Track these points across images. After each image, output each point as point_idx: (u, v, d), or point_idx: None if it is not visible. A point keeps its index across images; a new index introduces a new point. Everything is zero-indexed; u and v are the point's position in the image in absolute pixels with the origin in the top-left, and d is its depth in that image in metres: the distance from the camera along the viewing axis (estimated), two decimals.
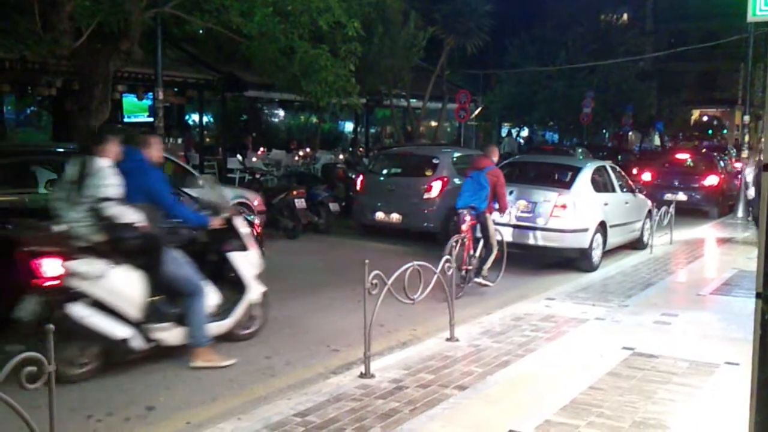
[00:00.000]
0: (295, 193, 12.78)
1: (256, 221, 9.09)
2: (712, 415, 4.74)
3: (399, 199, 12.56)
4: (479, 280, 8.75)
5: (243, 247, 6.29)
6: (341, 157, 20.43)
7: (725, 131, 48.96)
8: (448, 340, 6.32)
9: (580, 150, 24.80)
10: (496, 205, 8.94)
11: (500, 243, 9.11)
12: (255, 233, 8.48)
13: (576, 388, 5.13)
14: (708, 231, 15.21)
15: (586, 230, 10.19)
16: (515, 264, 9.80)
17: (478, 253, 8.81)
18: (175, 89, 18.21)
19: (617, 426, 4.46)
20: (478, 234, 8.85)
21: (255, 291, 6.33)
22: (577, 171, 10.97)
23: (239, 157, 18.47)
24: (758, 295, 2.91)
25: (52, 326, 3.28)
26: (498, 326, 6.89)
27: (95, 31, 11.58)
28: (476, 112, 29.32)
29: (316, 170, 18.46)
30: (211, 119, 26.63)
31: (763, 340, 2.89)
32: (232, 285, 6.22)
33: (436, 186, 12.34)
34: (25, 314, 5.10)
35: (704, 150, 26.48)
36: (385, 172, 13.84)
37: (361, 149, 23.61)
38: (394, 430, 4.32)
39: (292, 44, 12.56)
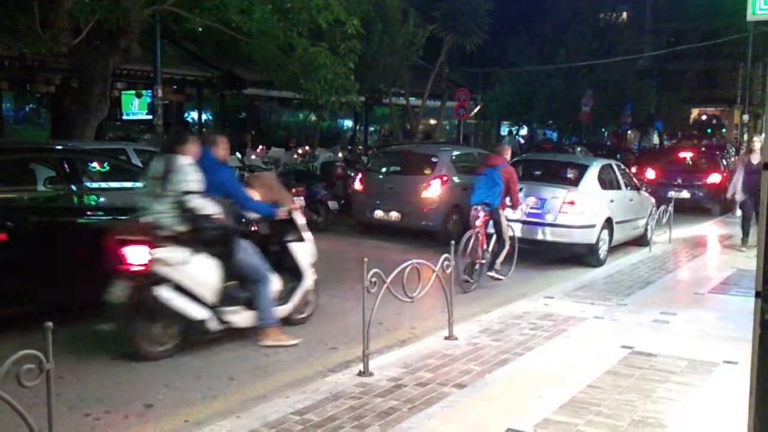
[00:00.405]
0: (294, 191, 12.76)
1: None
2: (710, 413, 4.74)
3: (398, 197, 12.55)
4: (492, 273, 9.06)
5: (301, 238, 6.85)
6: (340, 155, 20.42)
7: (724, 130, 48.96)
8: (446, 338, 6.32)
9: (579, 149, 24.80)
10: (509, 202, 9.20)
11: (512, 238, 9.40)
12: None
13: (575, 386, 5.13)
14: (708, 229, 15.23)
15: (593, 226, 10.49)
16: (518, 261, 9.79)
17: (491, 248, 9.14)
18: (174, 87, 18.20)
19: (616, 425, 4.46)
20: (491, 229, 9.13)
21: (310, 278, 6.88)
22: (584, 169, 11.29)
23: (238, 155, 18.39)
24: (757, 294, 2.90)
25: (50, 324, 3.26)
26: (497, 324, 6.89)
27: (94, 29, 11.58)
28: (475, 110, 29.32)
29: (315, 168, 18.45)
30: (210, 117, 26.60)
31: (762, 339, 2.89)
32: (290, 273, 6.73)
33: (435, 184, 12.34)
34: (115, 297, 5.65)
35: (704, 148, 26.50)
36: (384, 170, 13.83)
37: (360, 147, 23.61)
38: (392, 429, 4.32)
39: (291, 42, 12.57)
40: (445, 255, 6.34)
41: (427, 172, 12.76)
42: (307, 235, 6.94)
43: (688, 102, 41.47)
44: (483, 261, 9.01)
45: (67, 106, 12.72)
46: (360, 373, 5.30)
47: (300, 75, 12.89)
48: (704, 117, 50.27)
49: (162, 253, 5.69)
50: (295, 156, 20.65)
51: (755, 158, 11.90)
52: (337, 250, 11.65)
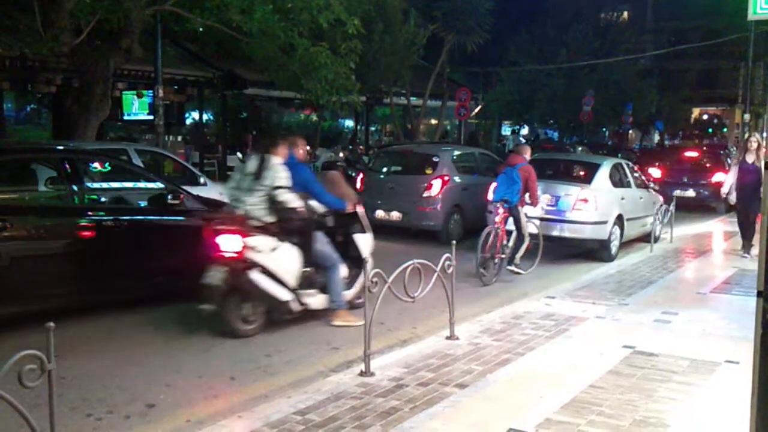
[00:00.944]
0: None
1: None
2: (712, 413, 4.74)
3: (399, 197, 12.55)
4: (512, 267, 9.59)
5: (363, 230, 7.51)
6: (341, 155, 20.42)
7: (725, 129, 48.93)
8: (448, 338, 6.32)
9: (579, 148, 24.80)
10: (528, 199, 9.63)
11: (532, 235, 9.85)
12: None
13: (576, 386, 5.13)
14: (711, 227, 15.22)
15: (605, 222, 10.92)
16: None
17: (511, 243, 9.56)
18: (175, 87, 18.21)
19: (617, 424, 4.45)
20: (511, 226, 9.56)
21: (369, 267, 6.88)
22: (596, 167, 11.69)
23: (239, 154, 18.46)
24: (759, 294, 2.91)
25: (52, 324, 3.27)
26: (498, 324, 6.89)
27: (95, 29, 11.59)
28: (476, 110, 29.32)
29: (316, 168, 18.45)
30: (211, 117, 26.61)
31: (763, 338, 2.89)
32: (352, 261, 7.30)
33: (436, 184, 12.33)
34: (212, 280, 6.35)
35: (704, 148, 26.55)
36: (385, 170, 13.83)
37: (361, 147, 23.61)
38: (394, 429, 4.32)
39: (292, 42, 12.57)
40: (446, 255, 6.34)
41: (429, 172, 12.75)
42: (368, 227, 7.59)
43: (689, 101, 41.48)
44: (503, 256, 9.42)
45: (69, 106, 12.73)
46: (361, 373, 5.29)
47: (301, 75, 12.89)
48: (705, 116, 50.25)
49: (254, 241, 6.39)
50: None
51: (750, 157, 11.30)
52: None
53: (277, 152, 6.72)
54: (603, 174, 11.45)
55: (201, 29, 16.00)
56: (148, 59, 13.55)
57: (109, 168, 8.12)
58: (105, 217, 7.00)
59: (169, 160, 12.55)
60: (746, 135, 19.74)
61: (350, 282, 7.32)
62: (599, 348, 6.15)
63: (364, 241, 7.50)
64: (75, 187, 6.92)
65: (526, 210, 9.71)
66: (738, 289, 8.85)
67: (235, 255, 6.34)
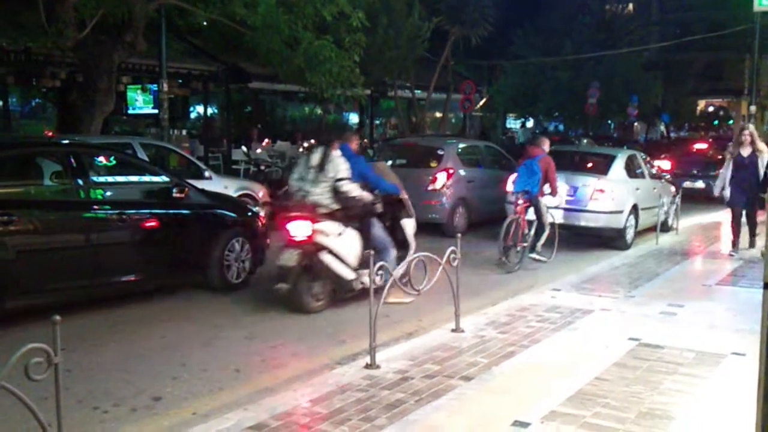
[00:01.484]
0: None
1: (261, 213, 9.09)
2: (718, 405, 4.73)
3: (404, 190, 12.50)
4: (534, 255, 9.88)
5: (409, 216, 8.26)
6: None
7: (731, 122, 48.69)
8: (453, 331, 6.32)
9: (585, 141, 24.72)
10: (548, 189, 10.00)
11: (552, 224, 10.20)
12: (260, 224, 8.53)
13: (582, 378, 5.13)
14: (718, 218, 15.15)
15: (621, 212, 11.33)
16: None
17: (532, 232, 9.93)
18: (180, 81, 18.19)
19: (623, 416, 4.45)
20: (532, 216, 9.93)
21: (413, 249, 8.12)
22: (612, 158, 12.11)
23: (244, 148, 18.46)
24: (765, 286, 2.90)
25: (58, 317, 3.27)
26: (503, 317, 6.88)
27: (99, 23, 11.59)
28: (481, 102, 29.26)
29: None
30: (216, 111, 26.60)
31: None
32: (398, 243, 7.98)
33: (441, 177, 12.32)
34: (287, 262, 7.09)
35: (710, 140, 26.48)
36: (389, 163, 13.80)
37: (365, 140, 23.57)
38: (399, 421, 4.32)
39: (296, 35, 12.53)
40: (452, 248, 6.34)
41: (433, 164, 12.73)
42: (412, 213, 8.35)
43: (695, 93, 41.26)
44: (525, 244, 9.81)
45: (73, 100, 12.76)
46: (367, 366, 5.30)
47: (305, 68, 12.86)
48: (711, 108, 50.04)
49: (322, 226, 7.14)
50: (301, 149, 20.63)
51: (745, 151, 10.76)
52: None
53: (337, 146, 7.47)
54: (618, 165, 11.80)
55: (205, 23, 15.98)
56: (152, 53, 13.54)
57: (114, 162, 8.12)
58: (110, 211, 7.01)
59: (174, 154, 12.56)
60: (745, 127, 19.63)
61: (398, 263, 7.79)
62: (605, 340, 6.14)
63: (410, 226, 8.27)
64: (80, 181, 6.93)
65: (545, 200, 10.04)
66: (744, 282, 8.84)
67: (306, 239, 7.08)
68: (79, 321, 6.55)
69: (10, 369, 3.03)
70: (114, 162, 8.13)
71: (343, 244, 7.31)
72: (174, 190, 7.58)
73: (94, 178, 7.35)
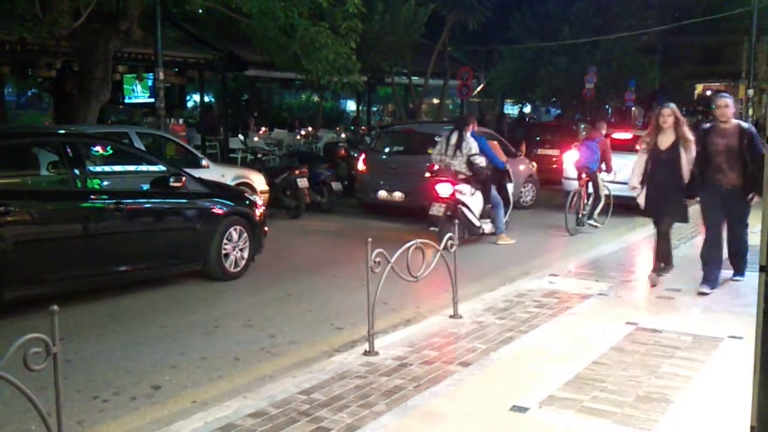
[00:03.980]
0: (297, 172, 12.74)
1: (259, 201, 9.08)
2: (715, 388, 4.75)
3: (401, 177, 12.52)
4: (592, 222, 11.94)
5: (510, 181, 11.26)
6: (343, 135, 20.36)
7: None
8: (451, 317, 6.33)
9: (582, 126, 24.67)
10: (604, 167, 11.72)
11: (607, 196, 12.20)
12: (257, 213, 8.52)
13: (580, 363, 5.14)
14: None
15: None
16: (519, 245, 9.95)
17: (590, 202, 11.85)
18: (176, 69, 18.11)
19: (621, 400, 4.47)
20: (590, 189, 11.81)
21: (511, 205, 11.33)
22: None
23: (241, 136, 18.42)
24: (762, 269, 2.90)
25: (56, 307, 3.27)
26: (501, 303, 6.90)
27: (94, 12, 11.52)
28: (478, 88, 29.16)
29: (318, 149, 18.41)
30: (212, 99, 26.53)
31: (766, 313, 2.88)
32: (504, 202, 10.71)
33: None
34: (436, 212, 9.85)
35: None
36: (387, 150, 13.79)
37: (363, 128, 23.52)
38: (398, 407, 4.34)
39: (292, 22, 12.48)
40: (449, 234, 6.33)
41: (431, 151, 12.69)
42: (512, 179, 11.36)
43: (693, 77, 41.13)
44: (584, 212, 11.78)
45: (69, 90, 12.70)
46: (365, 353, 5.32)
47: (301, 55, 12.81)
48: (709, 92, 49.93)
49: (460, 187, 9.95)
50: (298, 137, 20.58)
51: (665, 141, 7.48)
52: (340, 231, 11.68)
53: (468, 129, 10.20)
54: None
55: (200, 10, 15.91)
56: (147, 42, 13.46)
57: (111, 151, 8.11)
58: (107, 201, 7.00)
59: (170, 142, 12.54)
60: (750, 112, 19.47)
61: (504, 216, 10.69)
62: (602, 325, 6.16)
63: (510, 188, 11.18)
64: (77, 171, 6.92)
65: (602, 176, 11.82)
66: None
67: (449, 196, 9.84)
68: (78, 311, 6.56)
69: (9, 359, 3.04)
70: (111, 151, 8.12)
71: (473, 200, 10.10)
72: (171, 179, 7.57)
73: (91, 168, 7.35)
